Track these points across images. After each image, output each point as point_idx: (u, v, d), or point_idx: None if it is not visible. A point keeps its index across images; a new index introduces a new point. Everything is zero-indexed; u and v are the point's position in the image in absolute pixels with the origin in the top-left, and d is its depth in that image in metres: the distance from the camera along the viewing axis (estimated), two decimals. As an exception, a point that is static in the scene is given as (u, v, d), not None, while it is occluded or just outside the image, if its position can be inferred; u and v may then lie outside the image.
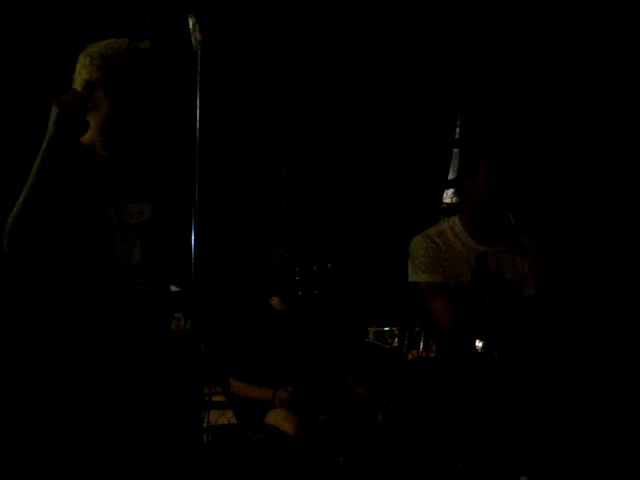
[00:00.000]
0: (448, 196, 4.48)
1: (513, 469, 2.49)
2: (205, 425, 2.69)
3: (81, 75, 2.02)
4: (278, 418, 3.10)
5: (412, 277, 2.74)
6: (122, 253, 2.02)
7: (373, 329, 2.54)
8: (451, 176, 4.30)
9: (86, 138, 2.10)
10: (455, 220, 2.77)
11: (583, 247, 3.78)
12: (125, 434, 2.00)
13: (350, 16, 4.01)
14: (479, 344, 2.52)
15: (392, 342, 2.56)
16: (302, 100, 4.11)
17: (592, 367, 3.20)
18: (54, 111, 1.94)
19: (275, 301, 3.41)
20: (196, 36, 2.04)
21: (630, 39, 3.75)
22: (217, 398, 3.34)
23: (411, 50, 4.15)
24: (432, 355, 2.56)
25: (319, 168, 4.14)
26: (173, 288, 3.00)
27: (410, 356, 2.54)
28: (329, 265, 2.20)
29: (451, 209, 2.92)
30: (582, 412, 2.81)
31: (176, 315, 3.78)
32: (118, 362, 2.00)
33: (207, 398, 2.73)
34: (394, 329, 2.55)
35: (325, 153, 4.14)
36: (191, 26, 2.04)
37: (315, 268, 2.26)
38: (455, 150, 4.36)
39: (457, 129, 4.38)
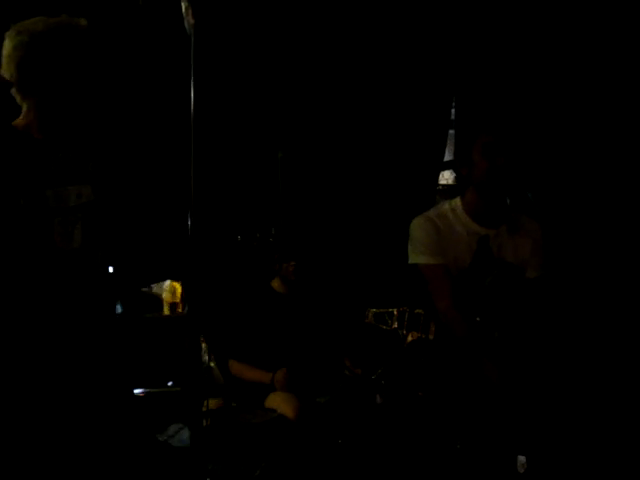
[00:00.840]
0: (444, 178, 4.50)
1: (510, 449, 2.50)
2: (204, 409, 2.70)
3: (12, 54, 1.93)
4: (278, 400, 3.11)
5: (412, 259, 2.74)
6: (62, 237, 1.96)
7: (372, 310, 2.55)
8: (447, 157, 4.30)
9: (20, 121, 2.01)
10: (457, 202, 2.77)
11: (579, 227, 3.78)
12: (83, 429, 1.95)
13: (348, 4, 3.99)
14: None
15: (391, 324, 2.56)
16: (297, 83, 4.08)
17: (592, 350, 3.22)
18: None
19: (276, 283, 3.43)
20: (189, 20, 2.02)
21: (623, 22, 3.74)
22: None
23: (406, 32, 4.12)
24: (431, 337, 2.57)
25: (315, 151, 4.12)
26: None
27: (409, 338, 2.55)
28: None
29: (448, 190, 2.91)
30: (580, 393, 2.82)
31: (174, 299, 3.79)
32: (61, 352, 1.95)
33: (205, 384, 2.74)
34: (393, 310, 2.55)
35: (321, 136, 4.12)
36: (184, 10, 2.02)
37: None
38: (451, 131, 4.36)
39: (453, 110, 4.37)
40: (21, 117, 2.02)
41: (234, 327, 3.35)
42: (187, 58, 1.99)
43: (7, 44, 1.94)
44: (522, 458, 2.50)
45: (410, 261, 2.74)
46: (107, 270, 2.12)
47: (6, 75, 1.96)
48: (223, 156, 3.87)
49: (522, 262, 2.75)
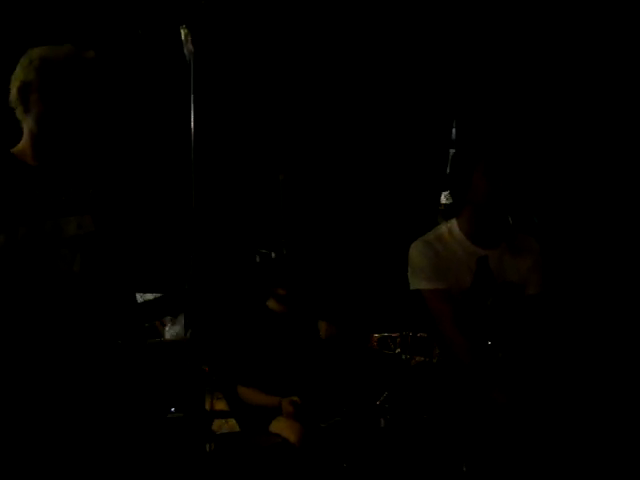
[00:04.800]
0: (445, 197, 4.50)
1: (517, 474, 2.48)
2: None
3: (18, 77, 1.95)
4: (282, 426, 3.10)
5: (413, 284, 2.72)
6: (62, 265, 1.92)
7: (375, 335, 2.54)
8: (447, 177, 4.30)
9: (18, 147, 2.01)
10: (453, 223, 2.76)
11: (584, 247, 3.77)
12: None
13: (347, 18, 4.01)
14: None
15: (394, 348, 2.55)
16: (298, 102, 4.10)
17: (594, 366, 3.20)
18: None
19: (272, 303, 3.41)
20: (189, 47, 2.04)
21: (624, 42, 3.75)
22: (219, 406, 3.34)
23: (408, 52, 4.14)
24: (435, 360, 2.56)
25: (316, 172, 4.13)
26: (148, 296, 2.97)
27: (413, 362, 2.54)
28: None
29: (449, 210, 2.90)
30: (585, 414, 2.80)
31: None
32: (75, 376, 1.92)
33: (209, 407, 2.72)
34: (397, 335, 2.55)
35: (321, 156, 4.14)
36: (183, 37, 2.03)
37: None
38: (452, 151, 4.36)
39: (453, 130, 4.38)
40: (20, 143, 2.01)
41: (236, 350, 3.33)
42: (187, 85, 2.00)
43: (21, 61, 1.97)
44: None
45: (411, 287, 2.73)
46: (108, 297, 2.10)
47: (11, 98, 1.97)
48: (224, 178, 3.88)
49: (522, 280, 2.74)
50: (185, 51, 2.04)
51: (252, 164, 4.04)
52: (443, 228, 2.76)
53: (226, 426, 3.32)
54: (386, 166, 4.23)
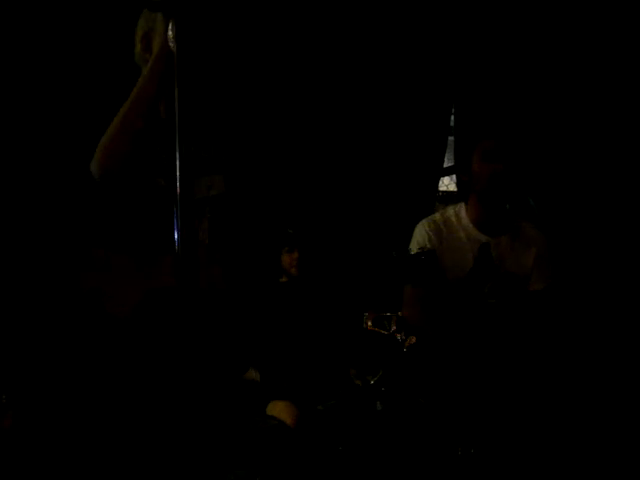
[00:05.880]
0: (444, 184, 4.50)
1: (513, 457, 2.49)
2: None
3: (141, 28, 1.94)
4: (278, 409, 3.11)
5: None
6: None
7: (370, 315, 2.53)
8: (447, 164, 4.30)
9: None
10: (461, 207, 2.77)
11: (581, 231, 3.77)
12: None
13: (343, 3, 3.99)
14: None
15: (390, 328, 2.55)
16: (296, 87, 4.08)
17: (596, 360, 3.20)
18: None
19: (286, 260, 3.41)
20: (171, 36, 1.93)
21: (618, 23, 3.75)
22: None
23: (406, 38, 4.13)
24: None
25: (315, 157, 4.12)
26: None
27: (408, 342, 2.53)
28: None
29: (447, 197, 2.91)
30: (582, 404, 2.80)
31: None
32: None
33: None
34: (392, 315, 2.54)
35: (320, 142, 4.12)
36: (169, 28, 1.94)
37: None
38: (450, 138, 4.36)
39: (452, 117, 4.37)
40: None
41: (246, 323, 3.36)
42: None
43: (140, 18, 1.95)
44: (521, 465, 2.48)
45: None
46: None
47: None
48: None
49: (523, 271, 2.74)
50: (170, 43, 1.93)
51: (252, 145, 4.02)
52: (450, 211, 2.77)
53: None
54: (385, 153, 4.22)
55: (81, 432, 1.89)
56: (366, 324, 2.51)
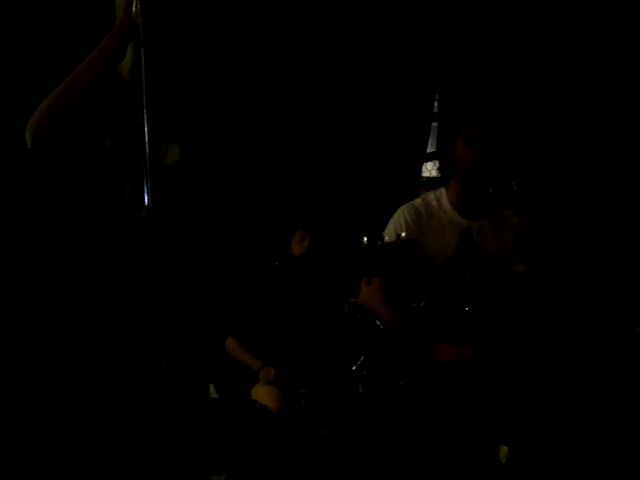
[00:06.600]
0: (427, 170, 4.50)
1: (493, 439, 2.51)
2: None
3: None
4: (261, 393, 3.12)
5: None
6: (131, 204, 1.76)
7: (351, 301, 2.52)
8: (430, 149, 4.30)
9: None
10: (442, 192, 2.75)
11: (563, 217, 3.79)
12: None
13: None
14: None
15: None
16: (280, 74, 4.06)
17: (576, 339, 3.23)
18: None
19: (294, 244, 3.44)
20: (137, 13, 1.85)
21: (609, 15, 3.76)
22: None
23: (390, 25, 4.12)
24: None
25: (297, 142, 4.11)
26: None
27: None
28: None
29: (430, 182, 2.89)
30: (564, 382, 2.83)
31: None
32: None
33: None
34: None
35: (303, 127, 4.11)
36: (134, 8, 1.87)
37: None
38: (434, 124, 4.36)
39: (435, 103, 4.38)
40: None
41: (238, 301, 3.37)
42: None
43: None
44: (505, 448, 2.50)
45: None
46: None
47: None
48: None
49: (504, 255, 2.75)
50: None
51: (234, 133, 4.00)
52: (431, 196, 2.76)
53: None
54: (368, 138, 4.22)
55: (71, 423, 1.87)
56: (348, 310, 2.52)
